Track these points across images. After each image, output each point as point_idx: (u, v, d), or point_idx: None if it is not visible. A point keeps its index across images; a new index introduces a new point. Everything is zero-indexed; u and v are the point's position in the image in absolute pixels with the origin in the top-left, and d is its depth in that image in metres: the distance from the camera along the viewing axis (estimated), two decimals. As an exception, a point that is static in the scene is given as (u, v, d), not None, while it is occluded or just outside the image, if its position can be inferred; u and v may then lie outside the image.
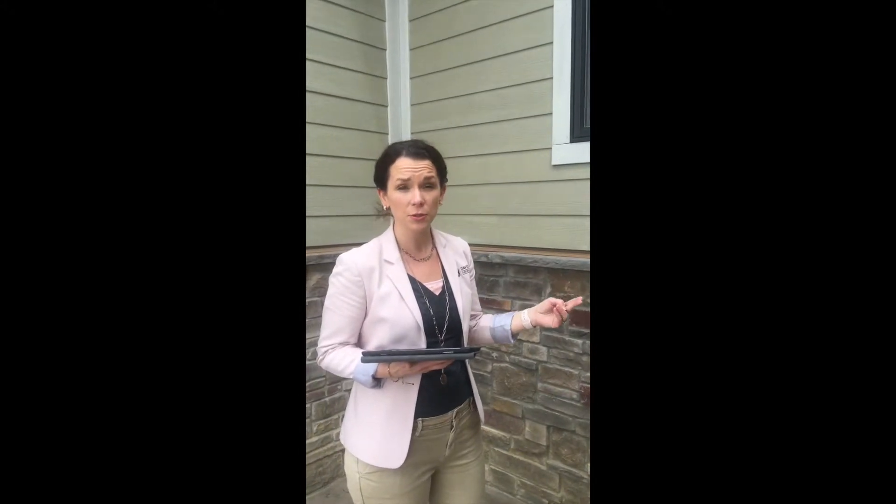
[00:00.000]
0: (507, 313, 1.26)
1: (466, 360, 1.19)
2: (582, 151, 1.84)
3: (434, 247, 1.24)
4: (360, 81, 2.32)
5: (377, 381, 1.06)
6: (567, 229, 1.92)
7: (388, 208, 1.15)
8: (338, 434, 2.36)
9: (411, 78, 2.42)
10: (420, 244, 1.20)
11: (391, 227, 1.20)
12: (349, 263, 1.11)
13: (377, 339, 1.12)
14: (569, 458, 2.00)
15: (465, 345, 1.20)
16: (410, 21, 2.39)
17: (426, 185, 1.10)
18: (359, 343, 1.17)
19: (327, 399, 2.30)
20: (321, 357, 1.14)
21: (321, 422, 2.29)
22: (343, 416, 2.35)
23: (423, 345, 1.10)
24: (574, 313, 1.91)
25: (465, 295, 1.21)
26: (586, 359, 1.90)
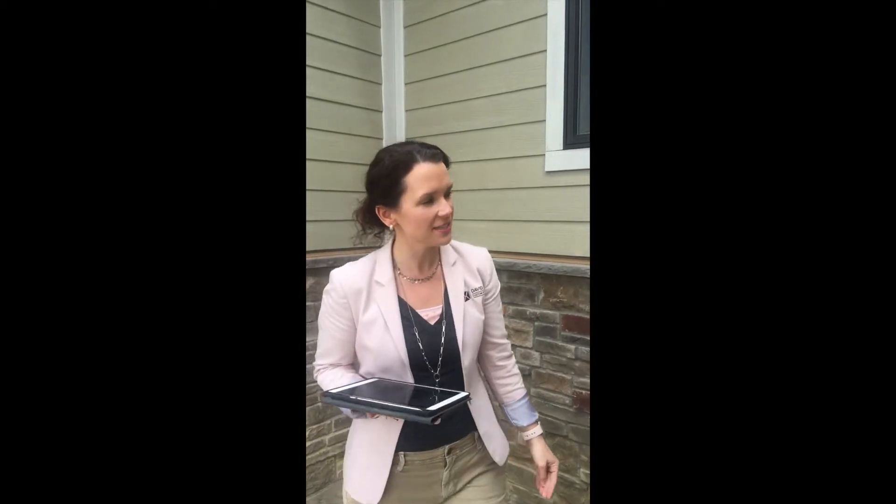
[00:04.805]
0: (531, 415, 1.16)
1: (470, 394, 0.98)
2: (575, 158, 1.86)
3: (440, 265, 1.06)
4: (354, 87, 2.33)
5: (359, 412, 0.94)
6: (560, 235, 1.94)
7: (394, 225, 0.98)
8: (330, 439, 2.35)
9: (406, 84, 2.44)
10: (423, 263, 1.03)
11: (390, 243, 1.05)
12: (336, 283, 0.99)
13: (366, 365, 1.01)
14: (561, 464, 2.00)
15: (465, 381, 1.04)
16: (405, 28, 2.40)
17: (449, 192, 0.95)
18: (355, 364, 1.07)
19: (320, 404, 2.29)
20: (316, 374, 1.06)
21: (313, 427, 2.28)
22: (335, 422, 2.34)
23: (409, 380, 0.98)
24: (566, 318, 1.92)
25: (471, 322, 1.03)
26: (579, 364, 1.91)
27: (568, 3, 1.84)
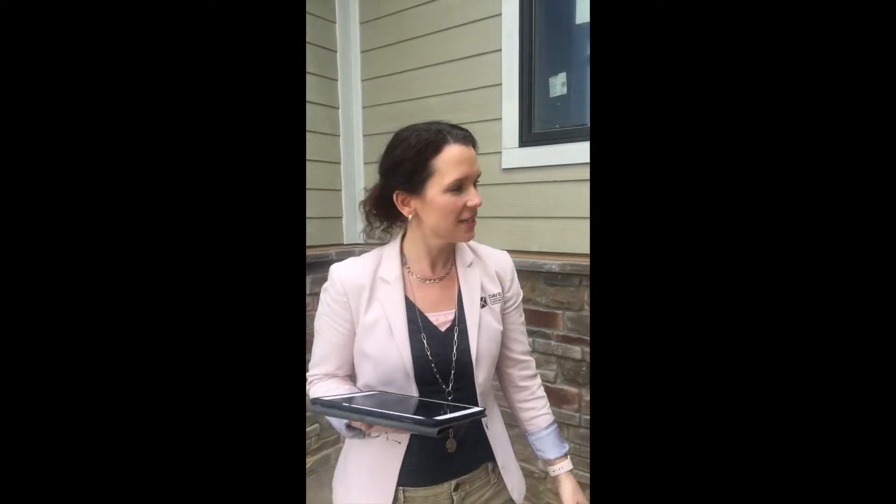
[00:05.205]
0: (561, 447, 1.01)
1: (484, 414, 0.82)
2: (531, 155, 1.91)
3: (454, 265, 0.93)
4: (310, 83, 2.30)
5: (355, 431, 0.80)
6: (517, 230, 1.98)
7: (412, 214, 0.86)
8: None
9: (363, 80, 2.43)
10: (437, 261, 0.91)
11: (400, 236, 0.92)
12: (335, 278, 0.87)
13: (364, 376, 0.89)
14: (520, 453, 2.05)
15: (479, 401, 0.90)
16: (361, 24, 2.39)
17: (477, 180, 0.85)
18: (353, 377, 0.93)
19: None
20: (308, 386, 0.92)
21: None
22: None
23: (413, 394, 0.86)
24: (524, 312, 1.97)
25: (487, 331, 0.90)
26: (535, 356, 1.96)
27: (522, 3, 1.88)
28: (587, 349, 1.82)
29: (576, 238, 1.84)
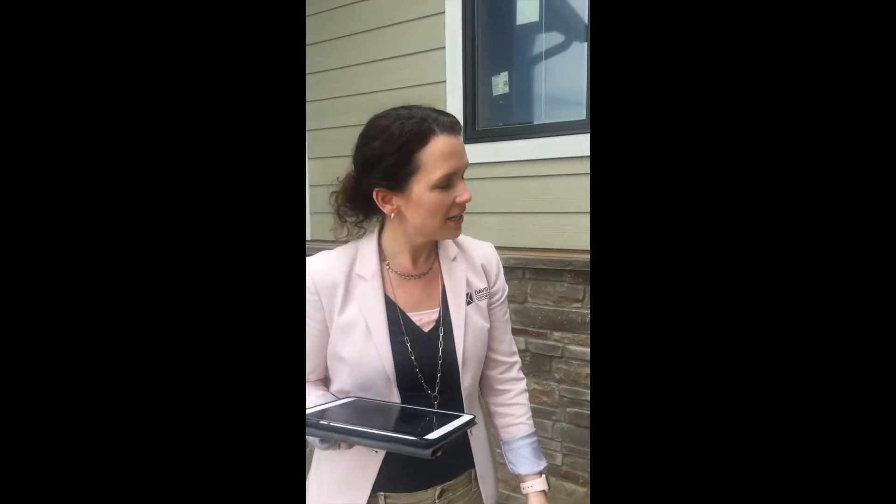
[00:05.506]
0: (537, 463, 0.91)
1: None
2: (475, 152, 1.94)
3: (437, 259, 0.86)
4: (254, 76, 2.26)
5: (329, 442, 0.75)
6: (463, 226, 2.02)
7: (394, 213, 0.77)
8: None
9: (308, 74, 2.40)
10: (418, 257, 0.84)
11: (377, 230, 0.84)
12: (306, 275, 0.79)
13: (339, 382, 0.82)
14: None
15: (465, 405, 0.84)
16: (308, 16, 2.36)
17: (464, 172, 0.77)
18: (326, 380, 0.86)
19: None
20: None
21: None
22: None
23: (396, 400, 0.79)
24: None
25: (474, 331, 0.83)
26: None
27: (464, 2, 1.92)
28: (531, 340, 1.89)
29: (519, 232, 1.90)
